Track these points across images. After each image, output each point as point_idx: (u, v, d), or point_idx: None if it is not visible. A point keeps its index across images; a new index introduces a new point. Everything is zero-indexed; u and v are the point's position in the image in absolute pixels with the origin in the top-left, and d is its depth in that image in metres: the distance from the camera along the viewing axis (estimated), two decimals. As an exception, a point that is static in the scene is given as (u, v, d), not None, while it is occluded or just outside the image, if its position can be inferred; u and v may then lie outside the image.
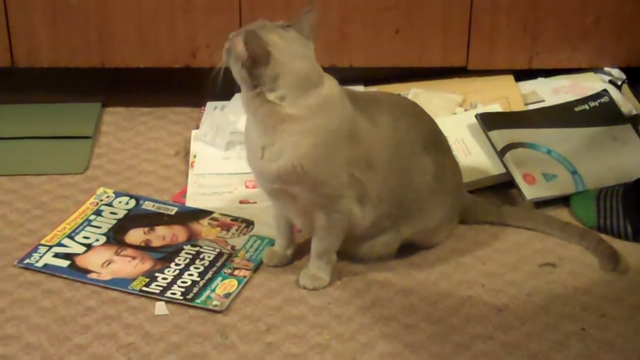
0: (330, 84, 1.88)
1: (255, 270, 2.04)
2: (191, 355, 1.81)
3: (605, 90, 2.47)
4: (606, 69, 2.63)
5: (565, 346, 1.83)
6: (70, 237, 2.12)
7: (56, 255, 2.06)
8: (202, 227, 2.17)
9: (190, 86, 2.68)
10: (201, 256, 2.07)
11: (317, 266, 1.99)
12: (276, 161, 1.86)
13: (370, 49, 2.58)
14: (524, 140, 2.32)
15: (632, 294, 1.97)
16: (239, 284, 1.99)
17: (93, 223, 2.17)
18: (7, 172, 2.37)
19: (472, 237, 2.14)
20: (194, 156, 2.41)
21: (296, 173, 1.85)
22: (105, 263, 2.05)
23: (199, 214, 2.21)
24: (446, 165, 2.06)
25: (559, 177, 2.26)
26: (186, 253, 2.08)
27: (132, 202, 2.25)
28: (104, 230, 2.15)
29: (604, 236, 2.11)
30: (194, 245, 2.10)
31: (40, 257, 2.05)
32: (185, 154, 2.46)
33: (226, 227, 2.16)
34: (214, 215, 2.20)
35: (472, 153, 2.34)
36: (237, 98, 2.45)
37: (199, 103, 2.64)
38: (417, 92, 2.56)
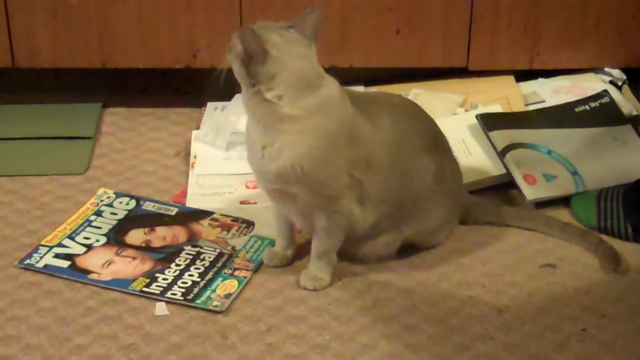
0: (330, 85, 1.88)
1: (256, 270, 2.04)
2: (191, 355, 1.81)
3: (605, 91, 2.47)
4: (607, 69, 2.63)
5: (565, 347, 1.83)
6: (71, 237, 2.12)
7: (56, 256, 2.06)
8: (203, 227, 2.17)
9: (191, 87, 2.68)
10: (201, 257, 2.07)
11: (317, 267, 1.99)
12: (276, 161, 1.86)
13: (370, 49, 2.59)
14: (525, 140, 2.32)
15: (632, 295, 1.97)
16: (239, 284, 1.99)
17: (93, 224, 2.17)
18: (7, 173, 2.37)
19: (472, 237, 2.14)
20: (195, 157, 2.41)
21: (295, 173, 1.85)
22: (106, 263, 2.05)
23: (200, 214, 2.21)
24: (446, 166, 2.06)
25: (560, 177, 2.26)
26: (186, 254, 2.08)
27: (133, 203, 2.25)
28: (105, 230, 2.15)
29: (604, 237, 2.11)
30: (194, 246, 2.10)
31: (41, 257, 2.05)
32: (185, 154, 2.46)
33: (227, 228, 2.17)
34: (215, 215, 2.20)
35: (472, 153, 2.34)
36: (237, 99, 2.45)
37: (200, 103, 2.64)
38: (418, 93, 2.56)
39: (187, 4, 2.52)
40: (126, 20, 2.54)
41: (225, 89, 2.37)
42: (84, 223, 2.17)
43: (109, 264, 2.04)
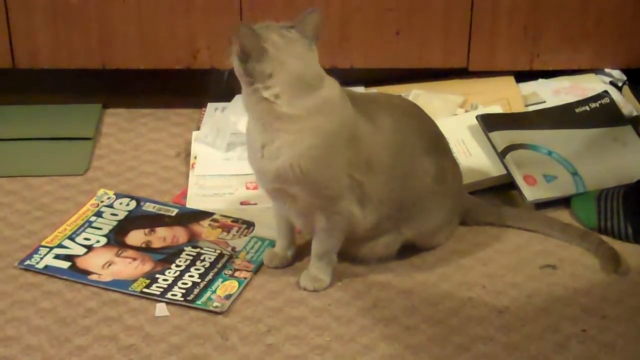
0: (331, 86, 1.88)
1: (256, 271, 2.04)
2: (192, 356, 1.81)
3: (605, 92, 2.47)
4: (607, 70, 2.63)
5: (565, 348, 1.83)
6: (71, 238, 2.12)
7: (57, 257, 2.06)
8: (203, 228, 2.17)
9: (191, 87, 2.68)
10: (202, 257, 2.07)
11: (317, 267, 1.99)
12: (275, 160, 1.86)
13: (371, 50, 2.59)
14: (525, 141, 2.32)
15: (632, 296, 1.97)
16: (239, 285, 1.99)
17: (94, 224, 2.17)
18: (7, 174, 2.37)
19: (472, 238, 2.14)
20: (195, 157, 2.41)
21: (295, 173, 1.85)
22: (106, 264, 2.05)
23: (200, 215, 2.21)
24: (447, 167, 2.06)
25: (560, 178, 2.26)
26: (187, 254, 2.08)
27: (133, 204, 2.25)
28: (105, 231, 2.15)
29: (604, 237, 2.11)
30: (194, 247, 2.10)
31: (41, 258, 2.05)
32: (185, 155, 2.46)
33: (227, 229, 2.16)
34: (215, 216, 2.20)
35: (472, 154, 2.34)
36: (237, 99, 2.45)
37: (200, 104, 2.64)
38: (418, 94, 2.56)
39: (187, 4, 2.52)
40: (126, 21, 2.54)
41: (226, 90, 2.38)
42: (84, 224, 2.17)
43: (109, 265, 2.04)
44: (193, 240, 2.12)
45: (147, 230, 2.16)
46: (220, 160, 2.40)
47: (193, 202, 2.26)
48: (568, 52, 2.60)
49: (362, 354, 1.82)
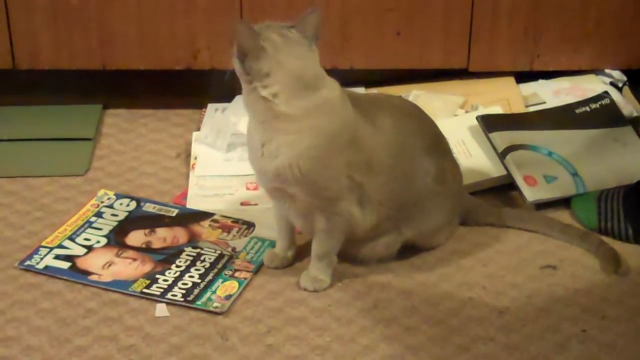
0: (331, 87, 1.88)
1: (256, 272, 2.04)
2: (192, 356, 1.81)
3: (606, 92, 2.47)
4: (607, 71, 2.63)
5: (565, 348, 1.83)
6: (71, 239, 2.12)
7: (57, 257, 2.06)
8: (203, 229, 2.17)
9: (191, 88, 2.68)
10: (202, 258, 2.07)
11: (317, 268, 1.99)
12: (274, 160, 1.86)
13: (371, 50, 2.59)
14: (525, 142, 2.32)
15: (632, 296, 1.97)
16: (239, 285, 1.99)
17: (94, 225, 2.17)
18: (8, 174, 2.37)
19: (472, 238, 2.14)
20: (195, 158, 2.41)
21: (293, 173, 1.85)
22: (106, 265, 2.05)
23: (200, 215, 2.21)
24: (447, 168, 2.06)
25: (560, 179, 2.26)
26: (187, 255, 2.08)
27: (133, 204, 2.25)
28: (105, 232, 2.15)
29: (604, 238, 2.11)
30: (194, 247, 2.10)
31: (41, 259, 2.05)
32: (186, 156, 2.46)
33: (227, 229, 2.16)
34: (215, 217, 2.20)
35: (473, 155, 2.34)
36: (238, 100, 2.45)
37: (200, 105, 2.64)
38: (418, 94, 2.56)
39: (187, 5, 2.52)
40: (126, 22, 2.54)
41: (226, 91, 2.38)
42: (84, 224, 2.17)
43: (110, 265, 2.04)
44: (193, 241, 2.13)
45: (147, 231, 2.16)
46: (221, 161, 2.40)
47: (193, 203, 2.26)
48: (568, 53, 2.60)
49: (362, 354, 1.82)
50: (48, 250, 2.08)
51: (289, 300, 1.95)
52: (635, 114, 2.49)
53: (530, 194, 2.22)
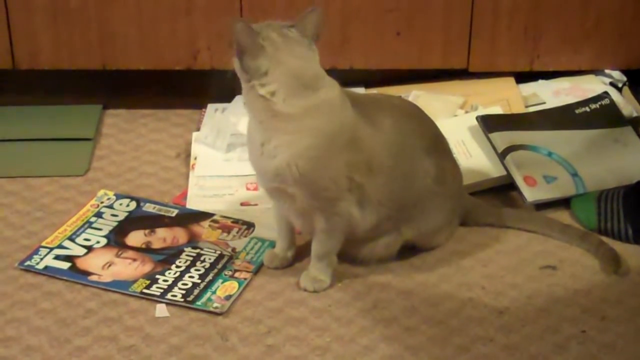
0: (330, 87, 1.88)
1: (256, 272, 2.04)
2: (192, 357, 1.81)
3: (606, 93, 2.47)
4: (607, 71, 2.63)
5: (565, 349, 1.83)
6: (71, 239, 2.12)
7: (57, 258, 2.06)
8: (203, 229, 2.17)
9: (191, 88, 2.68)
10: (202, 258, 2.07)
11: (317, 268, 1.99)
12: (273, 159, 1.86)
13: (371, 51, 2.59)
14: (525, 142, 2.32)
15: (632, 297, 1.97)
16: (239, 286, 1.99)
17: (94, 225, 2.17)
18: (8, 174, 2.37)
19: (472, 239, 2.14)
20: (195, 158, 2.41)
21: (292, 172, 1.85)
22: (106, 265, 2.05)
23: (200, 216, 2.21)
24: (447, 168, 2.06)
25: (560, 179, 2.26)
26: (187, 255, 2.08)
27: (133, 204, 2.25)
28: (105, 232, 2.15)
29: (604, 238, 2.11)
30: (194, 248, 2.10)
31: (41, 259, 2.05)
32: (186, 156, 2.46)
33: (227, 229, 2.16)
34: (215, 217, 2.20)
35: (472, 155, 2.34)
36: (238, 100, 2.45)
37: (200, 105, 2.64)
38: (418, 95, 2.56)
39: (187, 5, 2.52)
40: (126, 22, 2.54)
41: (226, 91, 2.38)
42: (84, 225, 2.17)
43: (109, 266, 2.04)
44: (193, 241, 2.13)
45: (147, 231, 2.16)
46: (221, 161, 2.40)
47: (193, 203, 2.26)
48: (568, 53, 2.60)
49: (362, 354, 1.82)
50: (48, 250, 2.08)
51: (289, 301, 1.95)
52: (635, 114, 2.49)
53: (530, 194, 2.22)
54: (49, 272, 2.02)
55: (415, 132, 2.01)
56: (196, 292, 1.96)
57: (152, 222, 2.19)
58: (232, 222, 2.19)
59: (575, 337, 1.86)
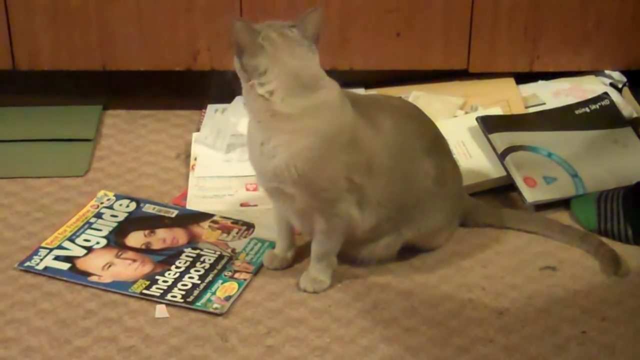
0: (330, 88, 1.88)
1: (256, 273, 2.04)
2: (191, 358, 1.81)
3: (605, 93, 2.47)
4: (607, 71, 2.63)
5: (565, 349, 1.83)
6: (71, 239, 2.12)
7: (57, 258, 2.06)
8: (203, 229, 2.17)
9: (191, 89, 2.68)
10: (202, 259, 2.07)
11: (317, 269, 1.99)
12: (272, 159, 1.86)
13: (371, 51, 2.59)
14: (525, 143, 2.32)
15: (632, 297, 1.97)
16: (239, 286, 1.99)
17: (94, 226, 2.17)
18: (7, 175, 2.37)
19: (472, 240, 2.14)
20: (195, 159, 2.41)
21: (290, 173, 1.85)
22: (106, 266, 2.05)
23: (200, 216, 2.21)
24: (447, 169, 2.06)
25: (560, 180, 2.26)
26: (187, 256, 2.08)
27: (133, 205, 2.25)
28: (105, 233, 2.15)
29: (604, 239, 2.11)
30: (194, 248, 2.10)
31: (41, 259, 2.05)
32: (186, 156, 2.46)
33: (227, 230, 2.16)
34: (215, 218, 2.20)
35: (472, 156, 2.34)
36: (238, 101, 2.45)
37: (200, 106, 2.64)
38: (418, 95, 2.56)
39: (187, 5, 2.52)
40: (126, 23, 2.54)
41: (226, 92, 2.38)
42: (84, 225, 2.17)
43: (109, 266, 2.04)
44: (193, 242, 2.13)
45: (147, 232, 2.16)
46: (220, 162, 2.40)
47: (193, 204, 2.26)
48: (568, 54, 2.60)
49: (362, 355, 1.82)
50: (48, 251, 2.08)
51: (289, 301, 1.95)
52: (635, 115, 2.49)
53: (530, 195, 2.22)
54: (48, 272, 2.02)
55: (415, 133, 2.01)
56: (196, 292, 1.96)
57: (152, 222, 2.19)
58: (232, 222, 2.19)
59: (575, 337, 1.86)
